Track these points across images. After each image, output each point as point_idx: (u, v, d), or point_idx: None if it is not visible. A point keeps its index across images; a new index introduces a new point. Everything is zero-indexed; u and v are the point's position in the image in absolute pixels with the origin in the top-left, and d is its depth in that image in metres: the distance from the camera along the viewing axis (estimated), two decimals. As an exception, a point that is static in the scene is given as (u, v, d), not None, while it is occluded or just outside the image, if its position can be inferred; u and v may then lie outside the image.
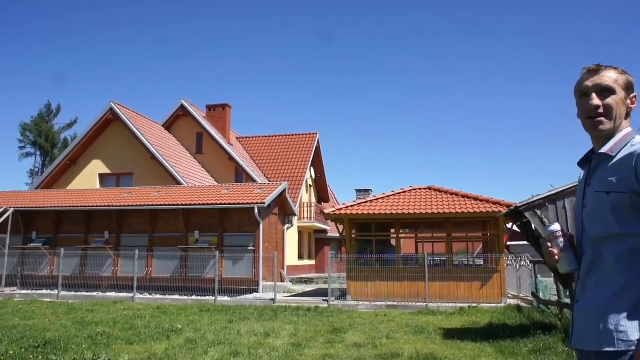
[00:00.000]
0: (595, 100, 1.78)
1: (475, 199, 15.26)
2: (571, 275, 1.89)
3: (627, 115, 1.81)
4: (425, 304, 13.79)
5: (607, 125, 1.78)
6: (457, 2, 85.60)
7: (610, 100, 1.77)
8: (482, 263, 16.40)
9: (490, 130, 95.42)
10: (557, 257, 1.81)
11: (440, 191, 16.38)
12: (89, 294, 16.74)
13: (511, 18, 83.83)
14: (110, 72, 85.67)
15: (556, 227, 1.84)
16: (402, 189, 16.81)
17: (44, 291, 17.46)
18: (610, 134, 1.79)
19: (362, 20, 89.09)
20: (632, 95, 1.81)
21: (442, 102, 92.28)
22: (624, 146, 1.72)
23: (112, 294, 16.67)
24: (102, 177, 24.06)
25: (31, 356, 6.77)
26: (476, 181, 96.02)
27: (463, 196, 15.63)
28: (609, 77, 1.79)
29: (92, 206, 18.56)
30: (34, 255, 18.90)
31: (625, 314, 1.57)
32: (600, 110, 1.78)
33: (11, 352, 6.97)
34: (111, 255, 18.25)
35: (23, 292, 17.47)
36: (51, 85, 77.46)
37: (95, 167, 23.98)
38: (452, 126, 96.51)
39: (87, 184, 23.43)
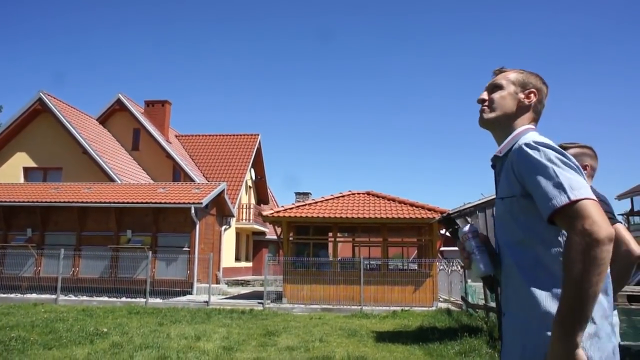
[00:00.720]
0: (483, 95, 1.80)
1: (412, 205, 15.67)
2: (497, 279, 1.80)
3: (523, 111, 1.75)
4: (360, 307, 13.96)
5: (487, 114, 1.76)
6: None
7: (495, 94, 1.77)
8: (416, 267, 16.85)
9: (433, 133, 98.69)
10: (467, 260, 1.70)
11: (378, 196, 16.68)
12: (5, 295, 15.61)
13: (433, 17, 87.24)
14: (42, 61, 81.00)
15: (468, 228, 1.72)
16: (340, 193, 16.98)
17: (-45, 292, 16.12)
18: (503, 131, 1.75)
19: (308, 22, 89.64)
20: (527, 91, 1.75)
21: (383, 106, 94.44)
22: (513, 145, 1.64)
23: (33, 296, 15.64)
24: (27, 171, 22.58)
25: None
26: (421, 185, 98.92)
27: (400, 202, 16.00)
28: (502, 76, 1.80)
29: (14, 201, 17.38)
30: (-57, 253, 17.42)
31: (541, 334, 1.45)
32: (486, 104, 1.78)
33: None
34: (33, 254, 17.15)
35: None
36: (-26, 71, 72.11)
37: (20, 160, 22.47)
38: (395, 130, 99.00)
39: (10, 177, 21.87)
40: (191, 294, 16.45)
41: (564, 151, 1.51)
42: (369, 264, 17.72)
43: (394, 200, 16.25)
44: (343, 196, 16.78)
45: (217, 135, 31.88)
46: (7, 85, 77.08)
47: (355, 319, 11.96)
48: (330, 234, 16.37)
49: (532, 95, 1.75)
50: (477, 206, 9.25)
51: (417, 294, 14.73)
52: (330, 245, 16.40)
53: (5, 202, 17.40)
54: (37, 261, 17.21)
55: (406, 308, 13.72)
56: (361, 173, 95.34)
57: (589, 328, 1.39)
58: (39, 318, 10.71)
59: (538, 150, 1.51)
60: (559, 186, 1.41)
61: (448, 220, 10.03)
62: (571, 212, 1.38)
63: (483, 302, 11.40)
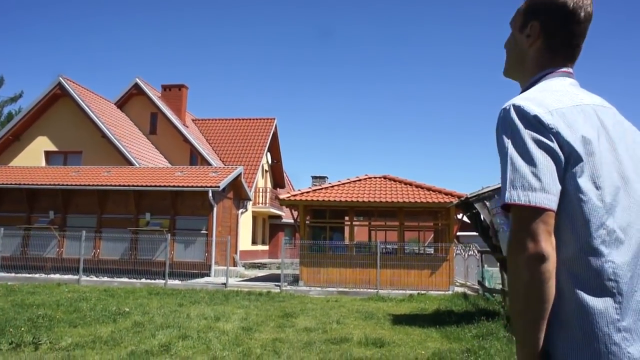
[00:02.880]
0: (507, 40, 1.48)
1: (428, 189, 15.61)
2: None
3: (529, 54, 1.38)
4: (376, 290, 14.04)
5: (504, 67, 1.48)
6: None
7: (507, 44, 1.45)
8: (432, 252, 16.85)
9: (450, 118, 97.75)
10: (494, 236, 1.59)
11: (394, 180, 16.65)
12: (30, 275, 16.05)
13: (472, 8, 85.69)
14: (61, 45, 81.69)
15: (497, 202, 1.65)
16: (357, 177, 16.98)
17: (-19, 272, 16.60)
18: (522, 82, 1.43)
19: (325, 9, 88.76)
20: (527, 27, 1.36)
21: (401, 90, 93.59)
22: None
23: (56, 276, 16.05)
24: (48, 155, 22.99)
25: (-36, 339, 6.43)
26: (435, 170, 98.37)
27: (417, 186, 15.95)
28: (517, 11, 1.43)
29: (37, 184, 17.74)
30: (-30, 234, 17.90)
31: None
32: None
33: (-58, 334, 6.59)
34: (56, 235, 17.54)
35: (-42, 272, 16.54)
36: (-6, 56, 72.94)
37: (41, 144, 22.86)
38: (412, 115, 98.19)
39: (32, 161, 22.31)
40: (209, 276, 16.70)
41: (541, 124, 1.18)
42: (385, 247, 17.77)
43: (410, 184, 16.20)
44: (359, 180, 16.78)
45: (233, 120, 31.97)
46: (27, 69, 78.01)
47: (371, 302, 12.04)
48: (347, 218, 16.42)
49: (535, 29, 1.35)
50: (496, 190, 9.16)
51: (434, 277, 14.75)
52: (347, 229, 16.46)
53: (29, 184, 17.77)
54: (60, 242, 17.60)
55: (422, 292, 13.77)
56: (378, 157, 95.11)
57: (561, 328, 1.16)
58: (63, 297, 11.00)
59: (506, 123, 1.22)
60: (505, 180, 1.18)
61: (466, 204, 9.99)
62: (511, 214, 1.18)
63: (500, 286, 11.37)
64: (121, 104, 26.77)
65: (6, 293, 11.66)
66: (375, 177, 16.99)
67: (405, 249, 16.37)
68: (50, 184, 17.67)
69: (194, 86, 79.82)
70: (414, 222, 18.59)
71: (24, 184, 17.81)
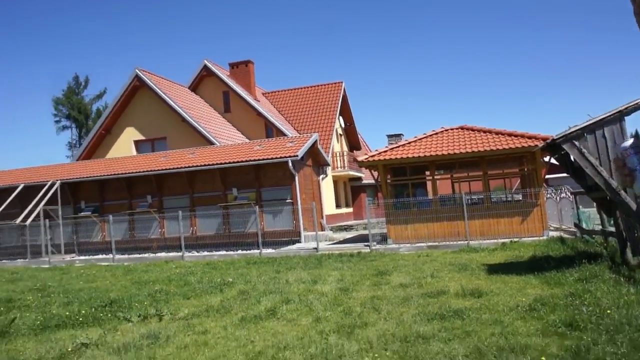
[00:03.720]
0: None
1: (510, 134, 14.99)
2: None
3: None
4: (466, 242, 13.90)
5: None
6: None
7: None
8: (520, 198, 16.30)
9: (523, 61, 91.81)
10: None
11: (472, 130, 16.12)
12: (140, 255, 17.58)
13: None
14: (131, 38, 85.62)
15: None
16: (433, 130, 16.62)
17: (100, 256, 18.46)
18: None
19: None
20: None
21: (464, 37, 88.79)
22: None
23: (162, 254, 17.45)
24: (137, 144, 24.66)
25: (101, 314, 7.31)
26: (510, 117, 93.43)
27: (497, 133, 15.36)
28: None
29: (133, 172, 19.16)
30: (85, 223, 19.89)
31: None
32: None
33: (83, 311, 7.54)
34: (156, 217, 18.97)
35: (81, 257, 18.52)
36: (75, 58, 78.19)
37: (130, 134, 24.56)
38: (481, 60, 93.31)
39: (124, 151, 24.09)
40: (300, 242, 17.35)
41: None
42: (470, 198, 17.43)
43: (490, 132, 15.62)
44: (436, 133, 16.43)
45: (302, 88, 32.23)
46: (106, 66, 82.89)
47: (463, 254, 11.98)
48: (428, 173, 16.25)
49: None
50: (585, 128, 8.59)
51: (526, 224, 14.31)
52: (429, 183, 16.26)
53: (127, 173, 19.25)
54: (161, 223, 19.05)
55: (515, 239, 13.45)
56: (451, 109, 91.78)
57: None
58: (173, 273, 12.01)
59: None
60: None
61: (552, 146, 9.50)
62: None
63: (600, 227, 10.85)
64: (194, 87, 27.93)
65: (125, 272, 12.93)
66: (452, 129, 16.54)
67: (492, 198, 15.95)
68: (144, 171, 19.02)
69: (258, 60, 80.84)
70: (498, 170, 18.00)
71: (122, 174, 19.31)
